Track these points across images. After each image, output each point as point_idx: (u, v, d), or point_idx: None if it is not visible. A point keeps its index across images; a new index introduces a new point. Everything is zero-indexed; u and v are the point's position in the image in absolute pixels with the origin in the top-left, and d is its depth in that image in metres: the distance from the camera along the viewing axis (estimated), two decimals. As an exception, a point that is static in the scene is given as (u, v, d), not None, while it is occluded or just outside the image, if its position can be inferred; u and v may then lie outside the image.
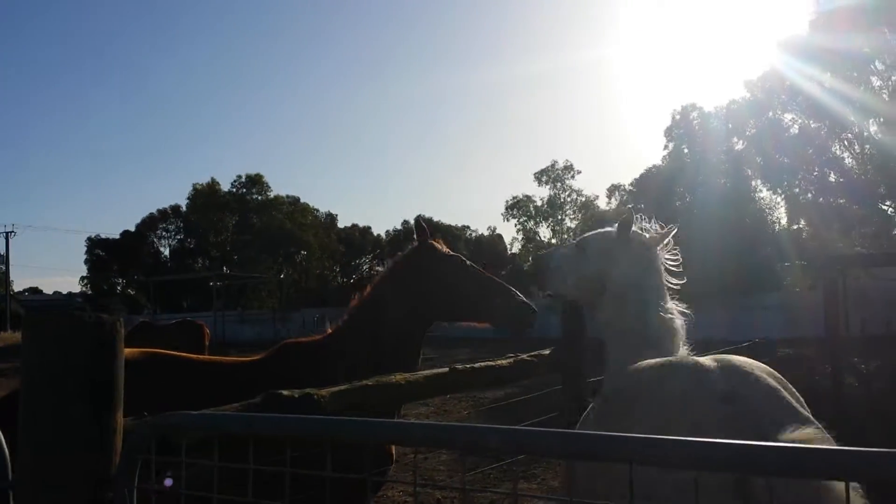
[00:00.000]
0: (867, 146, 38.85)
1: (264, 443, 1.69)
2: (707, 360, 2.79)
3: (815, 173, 39.67)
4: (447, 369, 3.62)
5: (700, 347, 3.58)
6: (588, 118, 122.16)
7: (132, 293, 75.42)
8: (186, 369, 3.98)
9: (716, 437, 1.26)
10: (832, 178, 39.79)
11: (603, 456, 1.29)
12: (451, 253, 4.42)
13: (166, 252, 78.31)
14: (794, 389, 2.96)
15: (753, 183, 43.10)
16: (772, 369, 3.09)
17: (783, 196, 41.54)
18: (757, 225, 41.53)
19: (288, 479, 1.62)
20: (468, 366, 3.76)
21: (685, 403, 2.57)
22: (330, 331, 4.32)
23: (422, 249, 4.35)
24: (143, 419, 1.97)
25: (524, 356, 4.20)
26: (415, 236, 4.38)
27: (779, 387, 2.73)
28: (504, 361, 4.01)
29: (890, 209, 38.65)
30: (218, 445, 1.77)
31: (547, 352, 4.44)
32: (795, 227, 45.52)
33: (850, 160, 39.95)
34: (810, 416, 2.69)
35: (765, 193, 43.83)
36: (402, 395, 3.30)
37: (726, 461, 1.23)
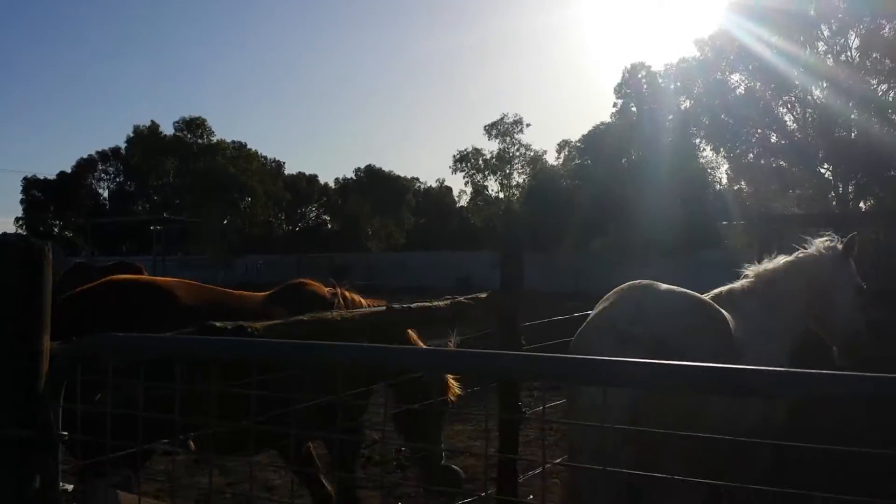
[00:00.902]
0: (809, 110, 39.68)
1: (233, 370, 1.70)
2: None
3: (758, 134, 40.43)
4: (384, 308, 3.66)
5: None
6: (540, 74, 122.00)
7: (70, 235, 73.43)
8: (201, 296, 4.05)
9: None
10: (774, 139, 40.61)
11: (517, 375, 1.35)
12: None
13: (105, 195, 76.35)
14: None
15: (698, 142, 43.75)
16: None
17: (726, 156, 42.29)
18: (700, 184, 42.30)
19: (215, 400, 1.64)
20: (405, 305, 3.81)
21: None
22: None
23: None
24: (70, 341, 1.96)
25: (461, 298, 4.26)
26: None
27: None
28: (441, 303, 4.07)
29: (828, 172, 39.71)
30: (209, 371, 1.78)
31: (484, 295, 4.51)
32: (737, 186, 46.52)
33: (793, 123, 40.79)
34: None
35: (709, 153, 44.58)
36: (337, 331, 3.32)
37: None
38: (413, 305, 3.88)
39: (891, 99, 38.03)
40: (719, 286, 5.00)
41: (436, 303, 4.06)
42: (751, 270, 4.86)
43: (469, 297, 4.37)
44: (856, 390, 1.18)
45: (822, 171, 39.96)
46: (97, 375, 1.87)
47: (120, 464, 2.23)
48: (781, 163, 40.84)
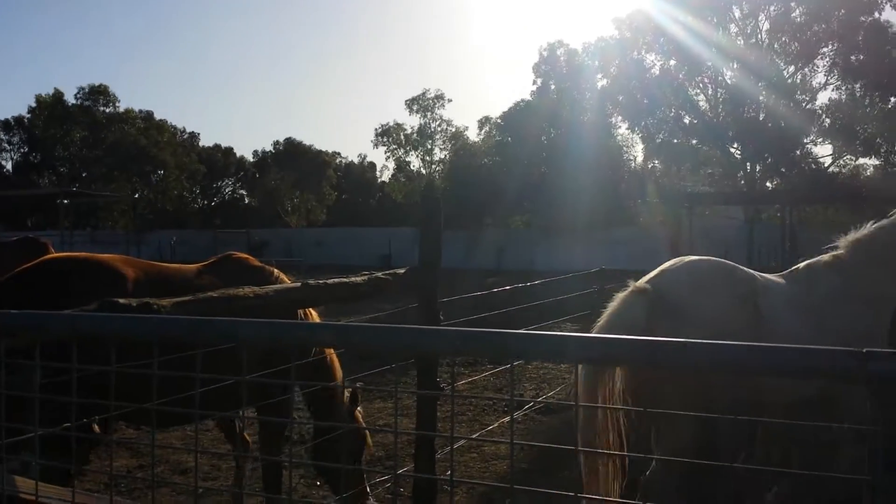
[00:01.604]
0: (721, 90, 40.94)
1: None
2: None
3: (672, 114, 41.52)
4: (300, 284, 3.60)
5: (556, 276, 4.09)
6: (463, 49, 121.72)
7: (-30, 209, 69.80)
8: (109, 275, 3.89)
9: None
10: (686, 119, 41.78)
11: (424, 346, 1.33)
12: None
13: (9, 166, 72.68)
14: None
15: (613, 120, 44.60)
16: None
17: (640, 134, 43.28)
18: (615, 162, 43.19)
19: (113, 379, 1.56)
20: (321, 281, 3.75)
21: None
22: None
23: None
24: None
25: (379, 274, 4.22)
26: None
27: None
28: (358, 278, 4.02)
29: (737, 152, 41.13)
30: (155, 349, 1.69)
31: (402, 271, 4.48)
32: (651, 165, 47.70)
33: (705, 103, 42.03)
34: None
35: (624, 131, 45.51)
36: (249, 308, 3.23)
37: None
38: (330, 281, 3.82)
39: (798, 81, 39.57)
40: (632, 261, 5.13)
41: (354, 278, 4.01)
42: (841, 241, 4.74)
43: (387, 272, 4.33)
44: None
45: (733, 150, 41.36)
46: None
47: (19, 448, 2.13)
48: (693, 142, 42.09)
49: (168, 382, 3.50)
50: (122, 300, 2.47)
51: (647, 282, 4.38)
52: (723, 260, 4.77)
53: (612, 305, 4.35)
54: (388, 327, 1.43)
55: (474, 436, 7.06)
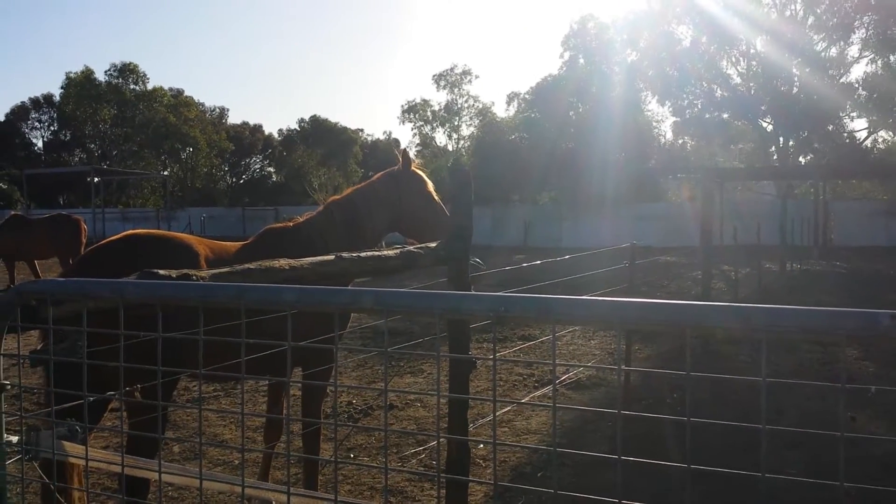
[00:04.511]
0: (753, 63, 40.21)
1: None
2: None
3: (703, 88, 40.89)
4: (333, 256, 3.61)
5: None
6: (490, 24, 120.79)
7: (4, 187, 70.90)
8: (185, 251, 4.05)
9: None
10: (718, 93, 41.13)
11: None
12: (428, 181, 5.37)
13: (39, 144, 73.65)
14: None
15: (643, 95, 44.04)
16: None
17: (671, 109, 42.71)
18: (644, 137, 42.70)
19: (159, 346, 1.59)
20: (354, 254, 3.76)
21: None
22: (301, 219, 4.98)
23: (409, 172, 5.29)
24: (8, 288, 1.88)
25: (411, 247, 4.22)
26: (400, 163, 5.31)
27: None
28: (391, 252, 4.03)
29: (769, 126, 40.47)
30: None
31: (434, 245, 4.48)
32: (681, 140, 47.12)
33: (737, 77, 41.33)
34: None
35: (654, 105, 44.94)
36: (285, 280, 3.26)
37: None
38: (363, 254, 3.83)
39: (832, 54, 38.75)
40: (661, 237, 5.07)
41: (386, 252, 4.02)
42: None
43: (419, 245, 4.33)
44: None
45: (765, 124, 40.70)
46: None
47: (66, 414, 2.17)
48: (724, 116, 41.45)
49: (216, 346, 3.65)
50: (162, 271, 2.50)
51: None
52: None
53: None
54: (430, 292, 1.44)
55: (523, 401, 7.09)
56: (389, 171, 5.40)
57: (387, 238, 5.37)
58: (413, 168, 5.39)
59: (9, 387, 1.77)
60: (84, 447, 1.87)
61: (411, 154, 6.09)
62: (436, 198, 5.35)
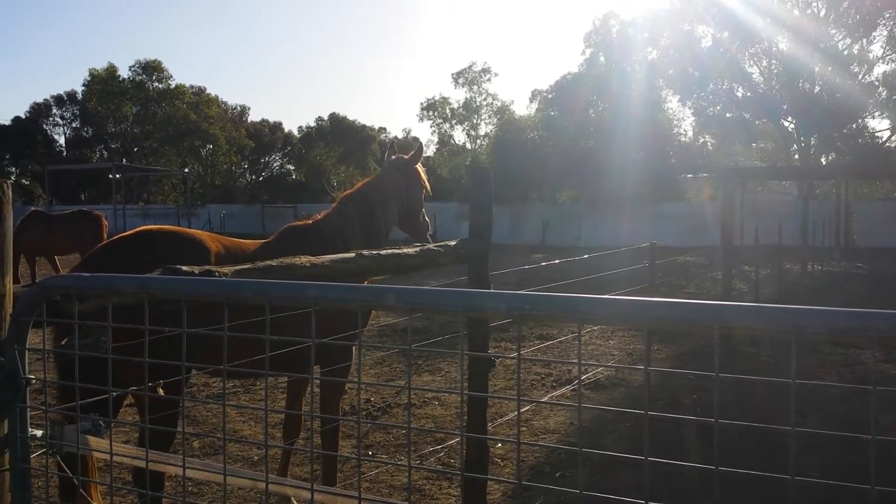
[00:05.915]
0: (774, 62, 39.82)
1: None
2: None
3: (724, 87, 40.55)
4: (353, 254, 3.62)
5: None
6: (510, 21, 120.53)
7: (26, 183, 71.69)
8: (197, 247, 4.09)
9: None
10: (739, 92, 40.77)
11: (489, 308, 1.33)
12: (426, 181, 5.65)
13: (62, 141, 74.37)
14: None
15: (664, 94, 43.75)
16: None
17: (691, 108, 42.39)
18: (664, 136, 42.42)
19: (184, 340, 1.60)
20: (374, 252, 3.77)
21: None
22: (319, 216, 5.07)
23: (413, 165, 5.51)
24: (32, 283, 1.90)
25: (431, 245, 4.22)
26: (411, 154, 5.56)
27: None
28: (410, 250, 4.03)
29: (791, 125, 40.07)
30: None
31: (453, 243, 4.48)
32: (702, 139, 46.78)
33: (758, 75, 40.95)
34: None
35: (674, 104, 44.62)
36: (306, 277, 3.28)
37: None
38: (383, 252, 3.83)
39: (855, 53, 38.32)
40: (680, 237, 5.02)
41: (405, 250, 4.02)
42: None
43: (439, 244, 4.33)
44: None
45: (786, 123, 40.31)
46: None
47: (90, 409, 2.19)
48: (746, 115, 41.08)
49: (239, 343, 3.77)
50: (185, 267, 2.51)
51: None
52: None
53: None
54: (453, 290, 1.43)
55: (545, 400, 7.08)
56: (395, 164, 5.50)
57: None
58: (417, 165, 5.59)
59: (34, 381, 1.78)
60: (108, 442, 1.89)
61: (428, 151, 6.21)
62: (422, 197, 5.63)
